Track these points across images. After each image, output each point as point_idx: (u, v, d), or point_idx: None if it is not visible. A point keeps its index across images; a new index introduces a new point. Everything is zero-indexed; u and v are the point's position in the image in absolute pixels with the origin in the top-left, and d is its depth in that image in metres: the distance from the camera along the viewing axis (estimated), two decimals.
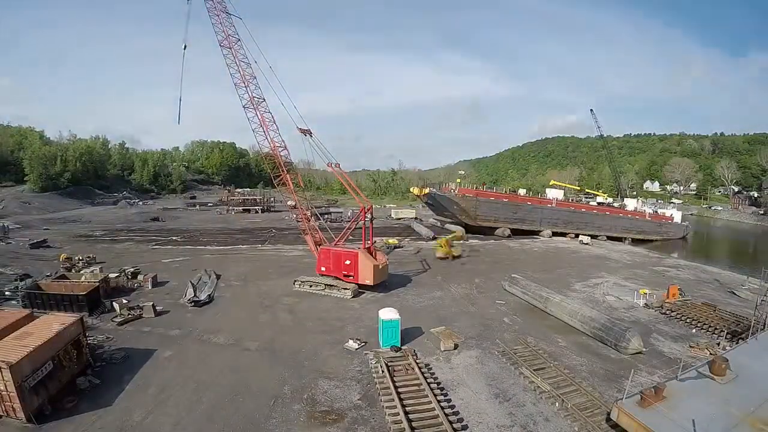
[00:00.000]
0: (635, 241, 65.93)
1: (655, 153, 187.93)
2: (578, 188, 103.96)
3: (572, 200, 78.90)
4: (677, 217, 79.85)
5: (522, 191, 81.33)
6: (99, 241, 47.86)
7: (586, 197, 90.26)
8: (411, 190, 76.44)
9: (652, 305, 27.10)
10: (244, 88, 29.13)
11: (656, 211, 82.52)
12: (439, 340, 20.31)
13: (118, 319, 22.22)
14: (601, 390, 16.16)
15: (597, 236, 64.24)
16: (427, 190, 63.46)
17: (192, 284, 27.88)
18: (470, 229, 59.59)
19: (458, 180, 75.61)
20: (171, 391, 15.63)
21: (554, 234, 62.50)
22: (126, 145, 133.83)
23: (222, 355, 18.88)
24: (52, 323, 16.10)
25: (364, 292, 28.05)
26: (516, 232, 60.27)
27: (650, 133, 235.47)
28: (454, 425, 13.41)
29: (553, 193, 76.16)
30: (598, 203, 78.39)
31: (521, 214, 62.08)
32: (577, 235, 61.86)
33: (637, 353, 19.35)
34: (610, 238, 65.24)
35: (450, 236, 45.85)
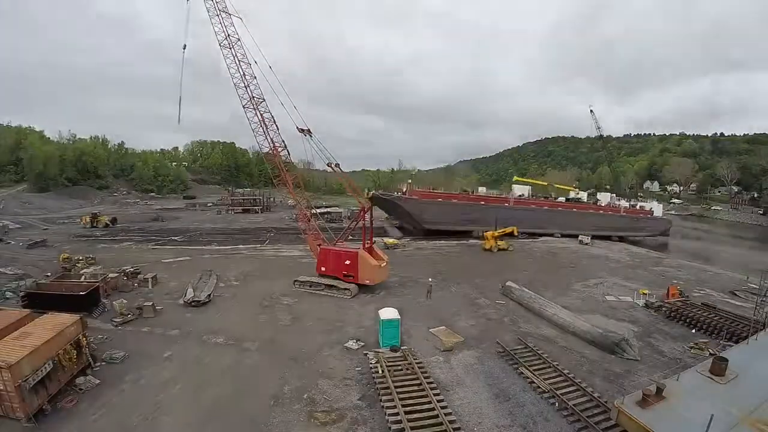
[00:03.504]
0: (604, 239, 61.92)
1: (655, 153, 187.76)
2: (545, 183, 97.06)
3: (538, 197, 74.76)
4: (657, 211, 75.86)
5: (482, 189, 77.45)
6: (99, 241, 47.83)
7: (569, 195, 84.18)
8: (366, 193, 72.63)
9: (652, 305, 27.10)
10: (244, 88, 29.16)
11: (633, 206, 77.92)
12: (439, 340, 20.32)
13: (118, 319, 22.23)
14: (601, 390, 16.16)
15: (561, 234, 60.87)
16: (371, 193, 59.76)
17: (191, 284, 27.90)
18: (429, 232, 55.73)
19: (409, 181, 72.16)
20: (170, 391, 15.64)
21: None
22: (125, 145, 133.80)
23: (222, 355, 18.88)
24: (52, 323, 16.11)
25: (364, 292, 28.06)
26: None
27: (650, 133, 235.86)
28: (454, 425, 13.40)
29: (519, 191, 72.81)
30: (566, 199, 74.68)
31: (474, 215, 58.00)
32: (541, 235, 58.85)
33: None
34: (572, 236, 60.77)
35: (498, 231, 47.98)
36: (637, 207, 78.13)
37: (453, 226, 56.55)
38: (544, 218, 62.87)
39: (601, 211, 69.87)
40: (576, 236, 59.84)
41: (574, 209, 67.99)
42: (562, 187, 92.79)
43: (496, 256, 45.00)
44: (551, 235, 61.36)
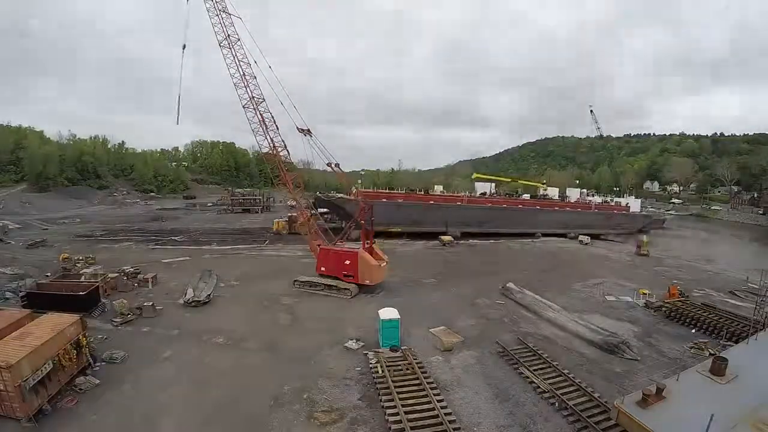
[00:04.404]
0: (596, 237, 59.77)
1: (655, 153, 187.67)
2: (509, 179, 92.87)
3: (503, 195, 71.63)
4: (634, 206, 72.72)
5: (439, 188, 74.24)
6: (99, 241, 47.82)
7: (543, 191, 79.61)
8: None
9: (652, 305, 27.11)
10: (244, 88, 29.14)
11: (607, 201, 74.98)
12: (439, 340, 20.30)
13: (118, 319, 22.23)
14: (601, 390, 16.16)
15: (531, 234, 58.57)
16: (316, 195, 57.77)
17: (191, 284, 27.89)
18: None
19: (358, 182, 69.70)
20: (171, 391, 15.64)
21: (464, 234, 55.43)
22: (125, 145, 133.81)
23: (222, 355, 18.88)
24: (52, 323, 16.11)
25: (364, 292, 28.05)
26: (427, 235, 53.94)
27: (650, 133, 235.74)
28: (454, 425, 13.40)
29: (481, 188, 70.45)
30: (531, 196, 71.53)
31: (421, 215, 54.76)
32: (498, 236, 55.36)
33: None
34: (546, 234, 59.20)
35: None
36: (612, 203, 74.42)
37: (398, 227, 52.74)
38: (502, 217, 59.35)
39: (568, 208, 66.34)
40: (563, 235, 57.64)
41: (537, 206, 64.57)
42: (529, 183, 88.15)
43: (496, 257, 44.99)
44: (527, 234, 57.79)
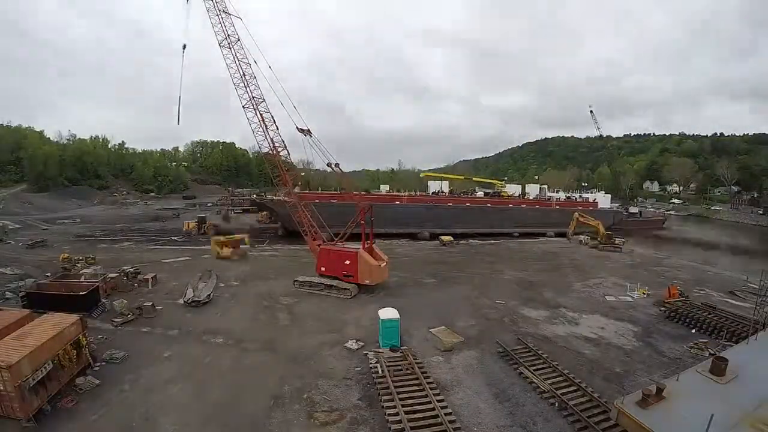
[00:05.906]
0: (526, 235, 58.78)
1: (655, 153, 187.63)
2: (461, 178, 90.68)
3: (458, 193, 70.19)
4: (603, 202, 71.97)
5: (384, 188, 73.78)
6: (99, 241, 47.83)
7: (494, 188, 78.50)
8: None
9: (644, 296, 26.96)
10: (244, 88, 29.17)
11: (571, 197, 73.52)
12: (439, 340, 20.31)
13: (118, 319, 22.23)
14: (601, 390, 16.15)
15: (469, 234, 57.19)
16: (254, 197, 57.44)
17: (191, 284, 27.90)
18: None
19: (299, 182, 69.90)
20: (170, 391, 15.64)
21: (393, 236, 54.50)
22: (126, 145, 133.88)
23: (222, 355, 18.87)
24: (52, 323, 16.11)
25: (364, 292, 28.05)
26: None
27: (650, 133, 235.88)
28: (454, 425, 13.40)
29: (434, 186, 70.10)
30: (485, 194, 70.47)
31: (352, 215, 54.09)
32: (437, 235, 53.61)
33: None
34: (488, 234, 57.87)
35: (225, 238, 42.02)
36: (576, 199, 73.27)
37: (333, 228, 52.80)
38: (447, 216, 58.31)
39: (524, 205, 64.96)
40: (492, 235, 56.56)
41: (489, 204, 63.11)
42: (485, 181, 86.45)
43: (496, 257, 44.99)
44: (471, 236, 56.60)
